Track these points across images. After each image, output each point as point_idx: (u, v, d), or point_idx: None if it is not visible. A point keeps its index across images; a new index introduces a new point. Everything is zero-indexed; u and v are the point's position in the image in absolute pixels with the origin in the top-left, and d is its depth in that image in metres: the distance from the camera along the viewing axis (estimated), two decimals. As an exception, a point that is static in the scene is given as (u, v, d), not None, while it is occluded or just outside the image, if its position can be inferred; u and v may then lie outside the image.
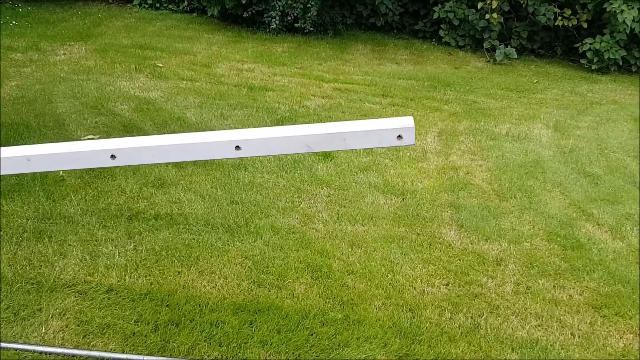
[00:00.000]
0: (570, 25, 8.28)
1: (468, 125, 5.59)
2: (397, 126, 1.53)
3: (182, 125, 4.98)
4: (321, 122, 5.33)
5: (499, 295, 3.01)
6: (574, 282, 3.16)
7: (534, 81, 7.56)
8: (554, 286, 3.12)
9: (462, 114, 5.98)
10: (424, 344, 2.62)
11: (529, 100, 6.72)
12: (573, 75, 8.02)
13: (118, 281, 2.88)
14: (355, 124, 1.53)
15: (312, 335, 2.61)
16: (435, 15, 8.74)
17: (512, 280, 3.14)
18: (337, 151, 4.65)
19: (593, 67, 8.10)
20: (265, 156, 4.43)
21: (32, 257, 3.01)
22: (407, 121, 1.57)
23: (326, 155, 4.54)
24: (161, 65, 6.77)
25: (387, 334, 2.66)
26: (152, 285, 2.87)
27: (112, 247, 3.16)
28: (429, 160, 4.70)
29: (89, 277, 2.91)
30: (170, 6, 9.71)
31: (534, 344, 2.68)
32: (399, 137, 1.51)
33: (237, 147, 1.50)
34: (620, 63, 8.11)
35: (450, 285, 3.06)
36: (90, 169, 3.98)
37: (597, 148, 5.22)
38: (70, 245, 3.15)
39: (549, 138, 5.40)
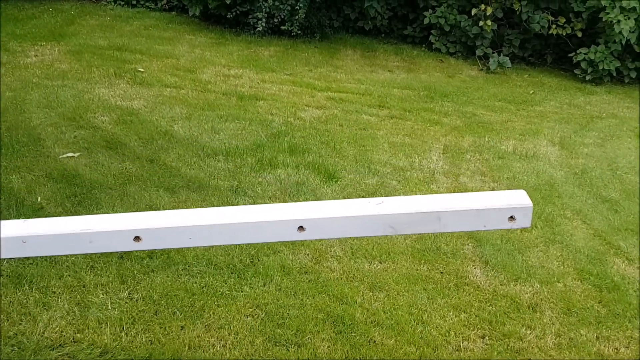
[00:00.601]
0: (564, 34, 8.09)
1: (472, 142, 5.31)
2: (508, 204, 1.21)
3: (171, 140, 4.57)
4: (319, 136, 4.98)
5: (542, 350, 2.71)
6: (617, 332, 2.89)
7: (530, 92, 7.33)
8: (597, 337, 2.84)
9: (463, 128, 5.69)
10: (471, 416, 2.30)
11: (528, 113, 6.48)
12: (568, 85, 7.83)
13: (113, 340, 2.48)
14: (453, 200, 1.20)
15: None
16: (426, 21, 8.45)
17: (552, 330, 2.85)
18: (341, 173, 4.32)
19: (587, 78, 7.93)
20: (267, 180, 4.06)
21: (11, 310, 2.59)
22: (520, 197, 1.25)
23: (330, 177, 4.19)
24: (142, 70, 6.30)
25: (428, 404, 2.33)
26: (153, 344, 2.49)
27: (102, 294, 2.75)
28: (438, 181, 4.39)
29: (78, 335, 2.50)
30: (147, 4, 9.19)
31: (590, 413, 2.39)
32: (511, 218, 1.19)
33: (301, 228, 1.18)
34: (614, 74, 7.96)
35: (487, 338, 2.75)
36: (72, 195, 3.55)
37: (608, 168, 4.99)
38: (54, 292, 2.73)
39: (557, 157, 5.15)
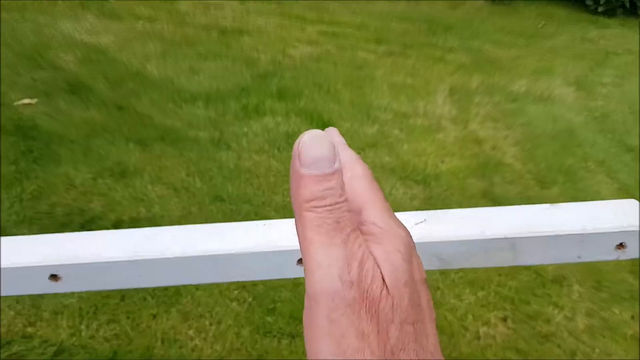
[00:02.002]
0: (576, -40, 7.42)
1: (481, 82, 4.80)
2: (617, 225, 0.77)
3: (143, 83, 4.02)
4: (311, 77, 4.45)
5: (572, 335, 2.34)
6: (657, 310, 2.53)
7: (540, 25, 6.75)
8: (632, 317, 2.48)
9: (470, 66, 5.17)
10: None
11: (539, 48, 5.93)
12: (579, 17, 7.24)
13: (70, 335, 2.07)
14: (532, 217, 0.79)
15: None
16: (427, -56, 7.70)
17: (582, 309, 2.48)
18: (337, 120, 3.83)
19: (599, 9, 7.33)
20: (253, 130, 3.57)
21: (-55, 300, 2.16)
22: (632, 212, 0.79)
23: (324, 126, 3.71)
24: None
25: (447, 410, 1.97)
26: (119, 339, 2.08)
27: (59, 276, 2.32)
28: (446, 130, 3.92)
29: (29, 329, 2.08)
30: None
31: (634, 415, 2.04)
32: (620, 246, 0.76)
33: (300, 261, 0.74)
34: (627, 5, 7.35)
35: (510, 321, 2.38)
36: (28, 151, 3.07)
37: (629, 112, 4.53)
38: None
39: (574, 99, 4.67)
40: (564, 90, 4.82)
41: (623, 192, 3.39)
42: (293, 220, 0.33)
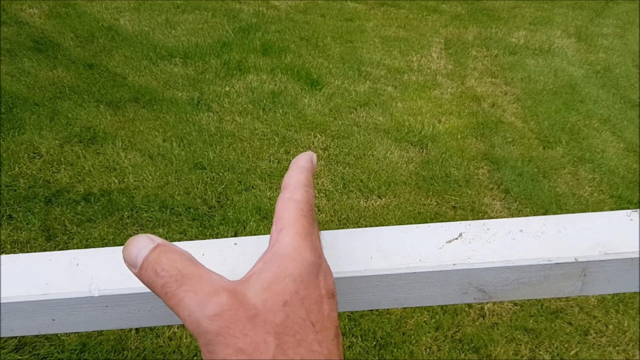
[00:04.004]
0: None
1: (477, 33, 4.53)
2: None
3: (115, 39, 3.71)
4: (298, 30, 4.15)
5: (584, 311, 2.18)
6: (671, 280, 2.36)
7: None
8: (647, 287, 2.31)
9: (466, 16, 4.88)
10: (506, 414, 1.79)
11: (536, -3, 5.64)
12: (577, -37, 6.91)
13: (33, 325, 1.87)
14: (604, 232, 0.55)
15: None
16: None
17: (594, 281, 2.31)
18: (326, 77, 3.57)
19: (598, -46, 6.98)
20: (236, 90, 3.30)
21: None
22: None
23: (313, 84, 3.45)
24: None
25: (451, 399, 1.81)
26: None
27: (21, 257, 2.09)
28: (442, 86, 3.68)
29: (-14, 319, 1.87)
30: None
31: (652, 398, 1.89)
32: None
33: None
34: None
35: (516, 296, 2.20)
36: (-15, 116, 2.80)
37: (632, 64, 4.30)
38: (-46, 258, 2.06)
39: (574, 51, 4.43)
40: (564, 41, 4.56)
41: (629, 152, 3.20)
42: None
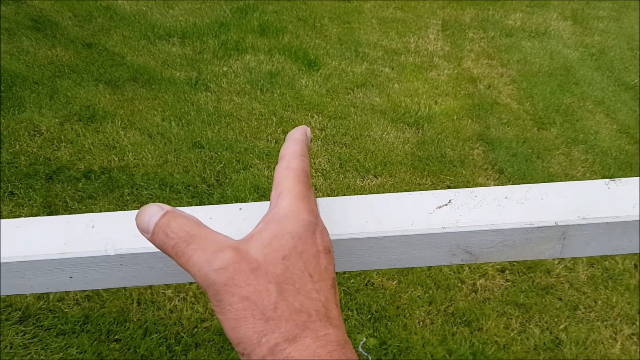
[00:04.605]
0: None
1: (474, 15, 4.55)
2: None
3: (113, 18, 3.72)
4: (295, 11, 4.15)
5: (574, 287, 2.23)
6: (659, 258, 2.42)
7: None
8: (635, 265, 2.38)
9: (463, -2, 4.89)
10: (496, 385, 1.85)
11: (534, -21, 5.63)
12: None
13: (37, 299, 1.91)
14: (586, 196, 0.59)
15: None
16: None
17: (584, 259, 2.37)
18: (323, 58, 3.58)
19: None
20: (233, 70, 3.32)
21: None
22: None
23: (310, 64, 3.47)
24: None
25: (443, 370, 1.86)
26: (91, 302, 1.92)
27: (24, 233, 2.13)
28: (439, 67, 3.70)
29: (-10, 293, 1.92)
30: None
31: (637, 370, 1.96)
32: None
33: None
34: None
35: (508, 273, 2.26)
36: (-16, 94, 2.82)
37: (627, 47, 4.33)
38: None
39: (570, 33, 4.45)
40: (559, 24, 4.58)
41: (622, 133, 3.25)
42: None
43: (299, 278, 0.38)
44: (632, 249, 0.59)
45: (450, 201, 0.57)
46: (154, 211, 0.41)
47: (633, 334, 2.08)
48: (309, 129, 0.49)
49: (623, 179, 0.60)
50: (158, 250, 0.54)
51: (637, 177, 0.59)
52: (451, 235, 0.56)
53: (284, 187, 0.42)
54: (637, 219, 0.56)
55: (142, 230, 0.41)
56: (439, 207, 0.57)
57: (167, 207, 0.41)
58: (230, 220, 0.54)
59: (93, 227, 0.55)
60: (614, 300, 2.19)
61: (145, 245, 0.53)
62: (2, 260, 0.52)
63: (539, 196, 0.57)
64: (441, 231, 0.55)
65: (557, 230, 0.56)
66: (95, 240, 0.53)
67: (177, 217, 0.40)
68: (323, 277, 0.40)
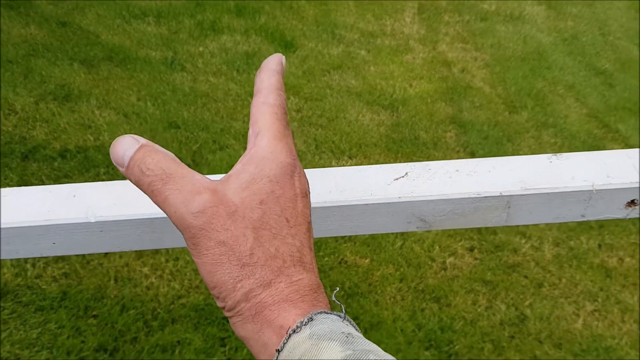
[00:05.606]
0: None
1: (450, -1, 4.59)
2: (626, 182, 0.65)
3: (88, -4, 3.68)
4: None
5: (540, 266, 2.33)
6: (620, 238, 2.52)
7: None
8: (599, 245, 2.47)
9: (439, -18, 4.92)
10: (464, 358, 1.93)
11: (510, -37, 5.69)
12: None
13: (15, 276, 1.93)
14: (529, 170, 0.66)
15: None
16: None
17: (550, 239, 2.46)
18: (300, 40, 3.61)
19: None
20: (209, 50, 3.33)
21: None
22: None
23: (287, 45, 3.49)
24: None
25: (413, 343, 1.94)
26: (69, 278, 1.95)
27: (0, 211, 2.14)
28: (414, 51, 3.75)
29: (-33, 270, 1.93)
30: None
31: (596, 343, 2.06)
32: (632, 203, 0.66)
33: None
34: None
35: (477, 251, 2.34)
36: (-43, 72, 2.80)
37: (599, 33, 4.42)
38: None
39: (544, 18, 4.52)
40: (534, 9, 4.65)
41: (592, 117, 3.34)
42: None
43: (276, 223, 0.38)
44: (572, 218, 0.65)
45: (406, 174, 0.62)
46: (129, 144, 0.40)
47: (595, 310, 2.18)
48: (284, 57, 0.47)
49: (565, 154, 0.66)
50: (136, 217, 0.58)
51: (577, 152, 0.64)
52: (407, 204, 0.61)
53: (261, 125, 0.41)
54: (575, 189, 0.61)
55: (117, 163, 0.40)
56: (397, 179, 0.62)
57: (142, 139, 0.40)
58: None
59: (75, 196, 0.58)
60: (577, 278, 2.28)
61: (124, 213, 0.57)
62: (-10, 226, 0.55)
63: (487, 169, 0.63)
64: (397, 200, 0.60)
65: (502, 199, 0.61)
66: (77, 208, 0.57)
67: (153, 152, 0.39)
68: (299, 221, 0.40)
